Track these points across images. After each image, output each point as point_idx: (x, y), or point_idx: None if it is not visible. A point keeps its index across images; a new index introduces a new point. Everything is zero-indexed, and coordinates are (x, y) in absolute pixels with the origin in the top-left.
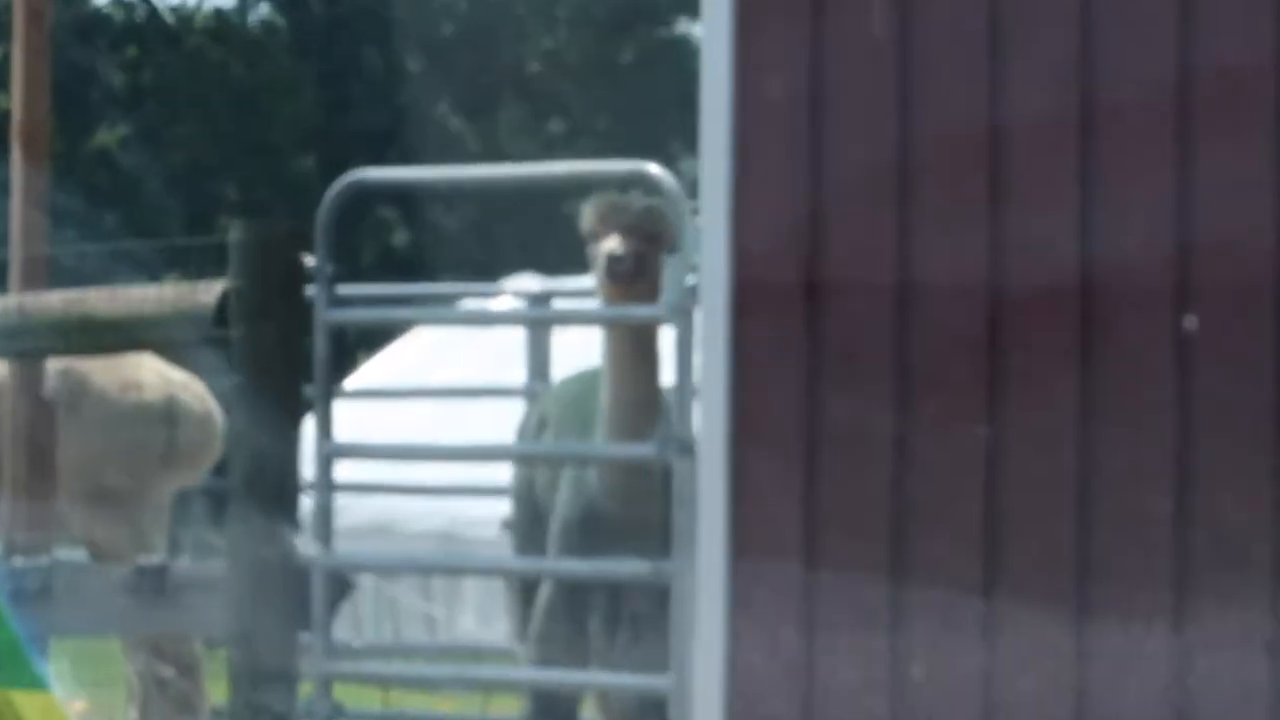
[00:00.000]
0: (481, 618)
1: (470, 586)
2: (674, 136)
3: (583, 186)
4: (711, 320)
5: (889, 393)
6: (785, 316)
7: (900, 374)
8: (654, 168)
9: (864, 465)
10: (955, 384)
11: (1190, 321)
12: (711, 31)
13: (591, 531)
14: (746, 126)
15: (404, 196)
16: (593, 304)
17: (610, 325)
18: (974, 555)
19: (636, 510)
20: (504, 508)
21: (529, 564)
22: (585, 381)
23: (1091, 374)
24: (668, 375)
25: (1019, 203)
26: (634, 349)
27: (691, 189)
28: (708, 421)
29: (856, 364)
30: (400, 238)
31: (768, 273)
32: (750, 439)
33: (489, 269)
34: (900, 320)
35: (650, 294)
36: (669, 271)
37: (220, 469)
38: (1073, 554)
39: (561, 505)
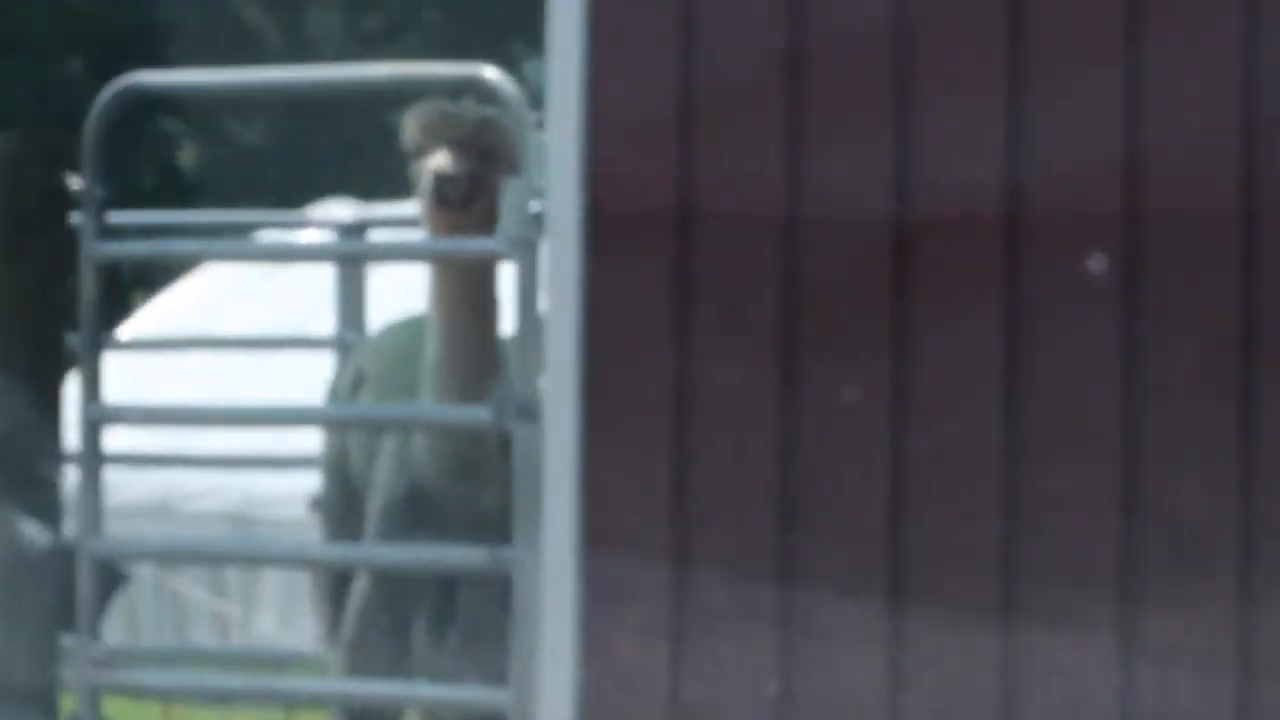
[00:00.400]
0: (283, 617)
1: (269, 579)
2: (516, 34)
3: (406, 93)
4: (560, 256)
5: (773, 345)
6: (649, 253)
7: (787, 322)
8: (491, 71)
9: (742, 434)
10: (851, 335)
11: (1098, 261)
12: None
13: (417, 512)
14: (602, 18)
15: (191, 105)
16: (417, 236)
17: (438, 261)
18: (874, 546)
19: (471, 487)
20: (311, 483)
21: (341, 552)
22: (410, 331)
23: (1014, 321)
24: (507, 323)
25: (931, 110)
26: (467, 290)
27: (536, 98)
28: (555, 379)
29: (734, 311)
30: (187, 156)
31: (628, 199)
32: (606, 401)
33: (293, 194)
34: (787, 256)
35: (486, 224)
36: (508, 196)
37: None
38: (994, 544)
39: (381, 481)
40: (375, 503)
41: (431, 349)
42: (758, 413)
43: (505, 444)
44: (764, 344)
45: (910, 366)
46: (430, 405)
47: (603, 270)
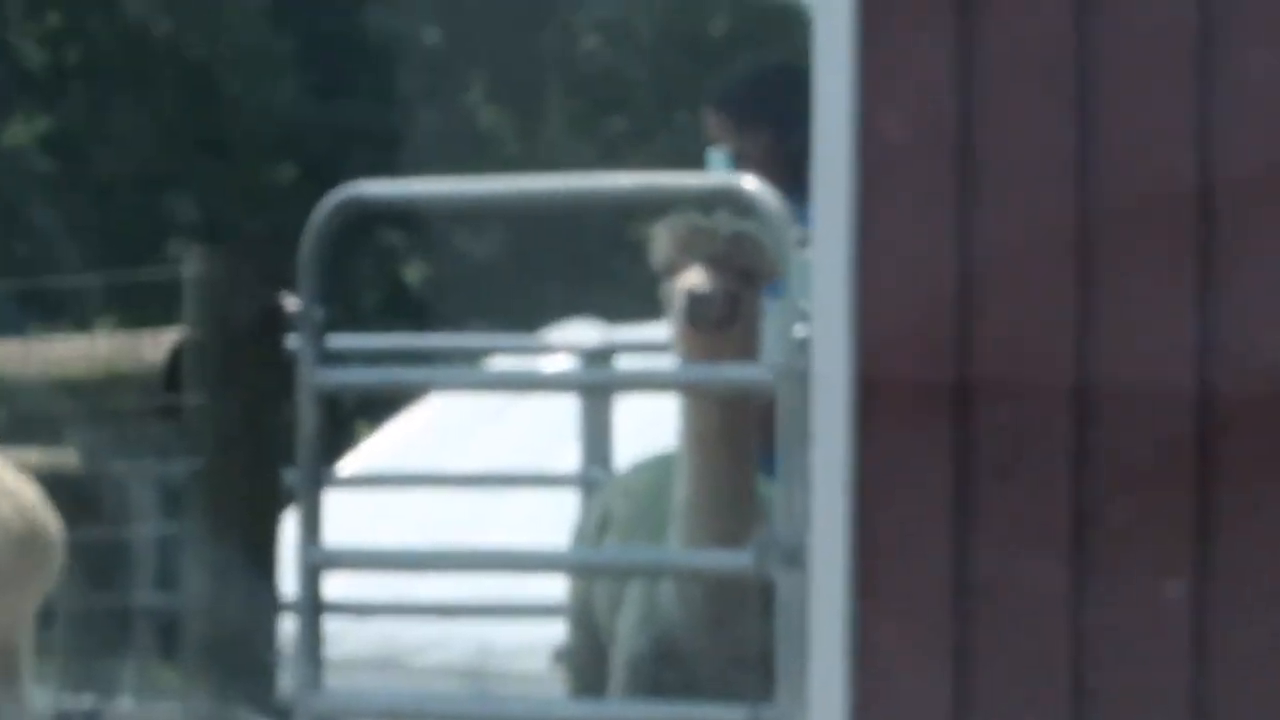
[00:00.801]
0: None
1: None
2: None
3: (656, 206)
4: (829, 391)
5: (1063, 528)
6: (925, 402)
7: (1077, 506)
8: (750, 182)
9: (1026, 623)
10: (1149, 524)
11: None
12: (828, 36)
13: (664, 665)
14: (870, 167)
15: (417, 217)
16: (667, 362)
17: (692, 391)
18: None
19: (723, 639)
20: (553, 633)
21: (590, 711)
22: (660, 469)
23: None
24: (768, 459)
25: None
26: (724, 423)
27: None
28: (823, 522)
29: (1018, 483)
30: (413, 272)
31: (898, 358)
32: (878, 557)
33: (531, 315)
34: (1078, 431)
35: (745, 349)
36: (771, 319)
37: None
38: None
39: (627, 632)
40: (620, 655)
41: (682, 489)
42: (1040, 602)
43: (760, 593)
44: (1052, 523)
45: (1218, 555)
46: (681, 550)
47: (877, 409)
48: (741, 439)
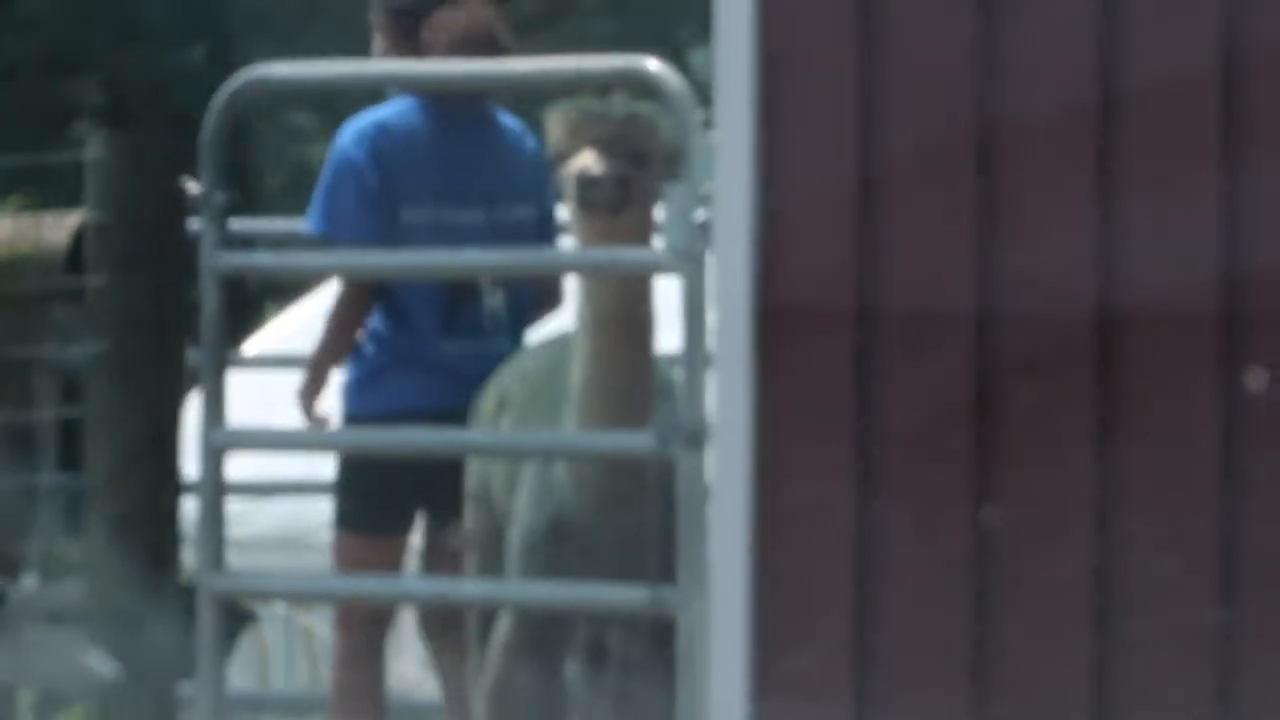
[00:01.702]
0: (426, 661)
1: (411, 619)
2: (682, 18)
3: (557, 89)
4: (730, 270)
5: (965, 403)
6: (831, 253)
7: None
8: (651, 63)
9: (925, 505)
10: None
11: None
12: None
13: (559, 546)
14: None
15: (325, 99)
16: (567, 245)
17: (588, 273)
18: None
19: (625, 518)
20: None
21: (489, 589)
22: (556, 350)
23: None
24: (664, 339)
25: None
26: (620, 306)
27: (704, 91)
28: (726, 402)
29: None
30: (320, 154)
31: (806, 235)
32: (784, 424)
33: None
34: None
35: (639, 231)
36: (671, 202)
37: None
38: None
39: (523, 512)
40: (515, 535)
41: (579, 370)
42: (945, 461)
43: (664, 473)
44: (955, 401)
45: (1116, 474)
46: (581, 432)
47: (777, 282)
48: (638, 321)
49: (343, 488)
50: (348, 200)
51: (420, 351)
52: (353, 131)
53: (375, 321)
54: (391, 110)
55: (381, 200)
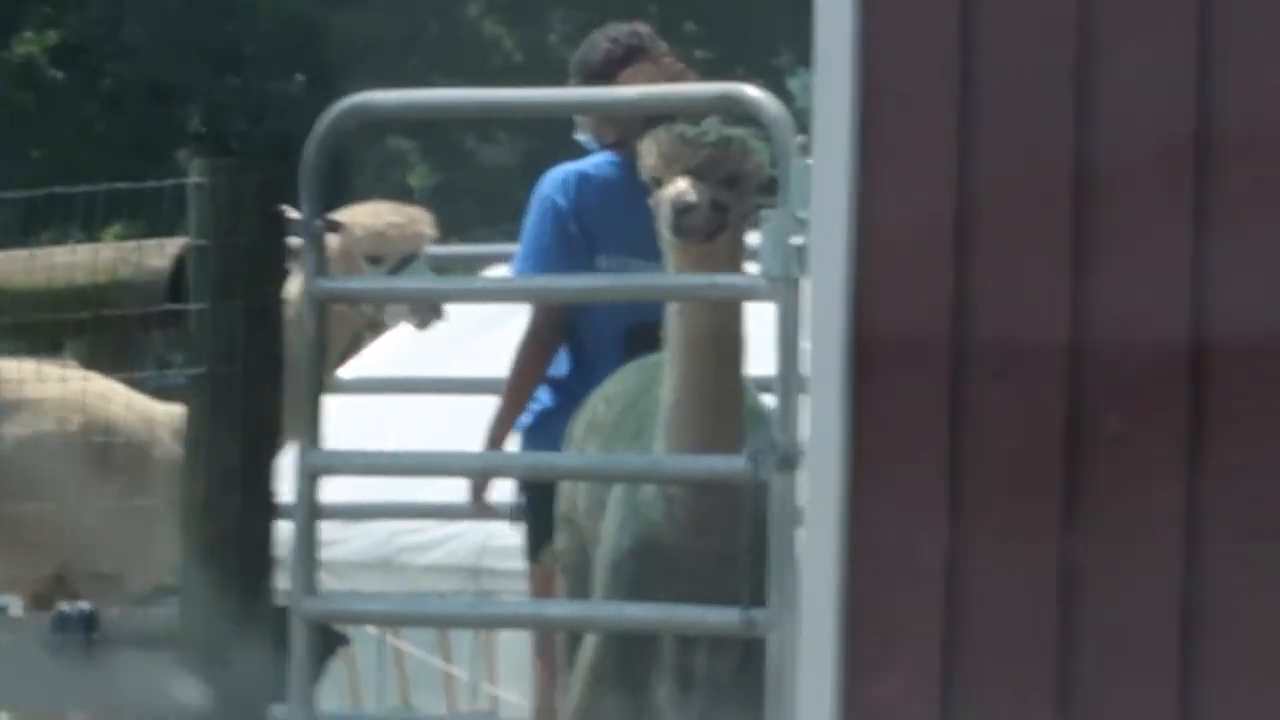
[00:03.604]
0: (518, 679)
1: (503, 640)
2: (781, 43)
3: (657, 114)
4: (825, 297)
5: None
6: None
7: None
8: (750, 89)
9: (1015, 533)
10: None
11: None
12: None
13: (649, 566)
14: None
15: (424, 126)
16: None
17: (683, 299)
18: None
19: (713, 541)
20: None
21: (581, 611)
22: (645, 374)
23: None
24: (757, 364)
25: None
26: (713, 328)
27: (802, 118)
28: (818, 427)
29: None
30: (420, 180)
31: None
32: (876, 450)
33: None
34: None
35: (732, 257)
36: (767, 228)
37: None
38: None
39: (609, 533)
40: (602, 557)
41: (669, 393)
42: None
43: (756, 496)
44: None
45: (1204, 505)
46: (674, 455)
47: (873, 315)
48: (729, 344)
49: (528, 520)
50: (551, 244)
51: None
52: (556, 179)
53: (556, 365)
54: (590, 162)
55: (581, 246)
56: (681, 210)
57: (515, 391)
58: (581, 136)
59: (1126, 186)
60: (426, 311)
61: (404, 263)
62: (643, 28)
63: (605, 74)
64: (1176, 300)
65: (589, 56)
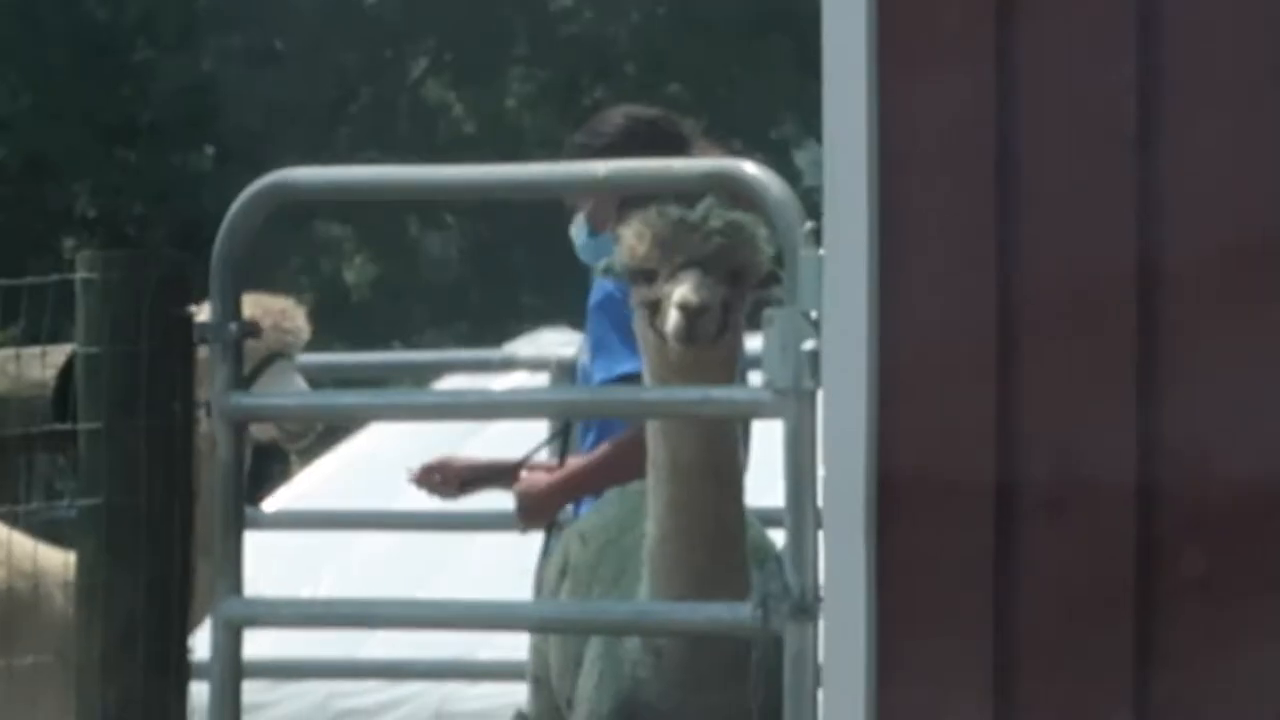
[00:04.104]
0: None
1: None
2: (788, 111)
3: (639, 195)
4: (842, 415)
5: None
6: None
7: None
8: (748, 166)
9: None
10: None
11: None
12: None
13: None
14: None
15: (359, 209)
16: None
17: (678, 414)
18: None
19: (713, 701)
20: (519, 696)
21: None
22: (627, 504)
23: None
24: (759, 493)
25: None
26: (706, 450)
27: (810, 200)
28: (839, 570)
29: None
30: (358, 274)
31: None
32: (911, 600)
33: (496, 324)
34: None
35: (727, 364)
36: (773, 331)
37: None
38: None
39: (587, 696)
40: None
41: (654, 526)
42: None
43: (768, 651)
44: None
45: None
46: (664, 602)
47: (897, 433)
48: (726, 469)
49: None
50: (629, 337)
51: None
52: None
53: None
54: None
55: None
56: (694, 314)
57: (589, 476)
58: (576, 231)
59: (1195, 300)
60: (297, 427)
61: (264, 364)
62: (683, 121)
63: (612, 152)
64: (1248, 425)
65: (597, 128)
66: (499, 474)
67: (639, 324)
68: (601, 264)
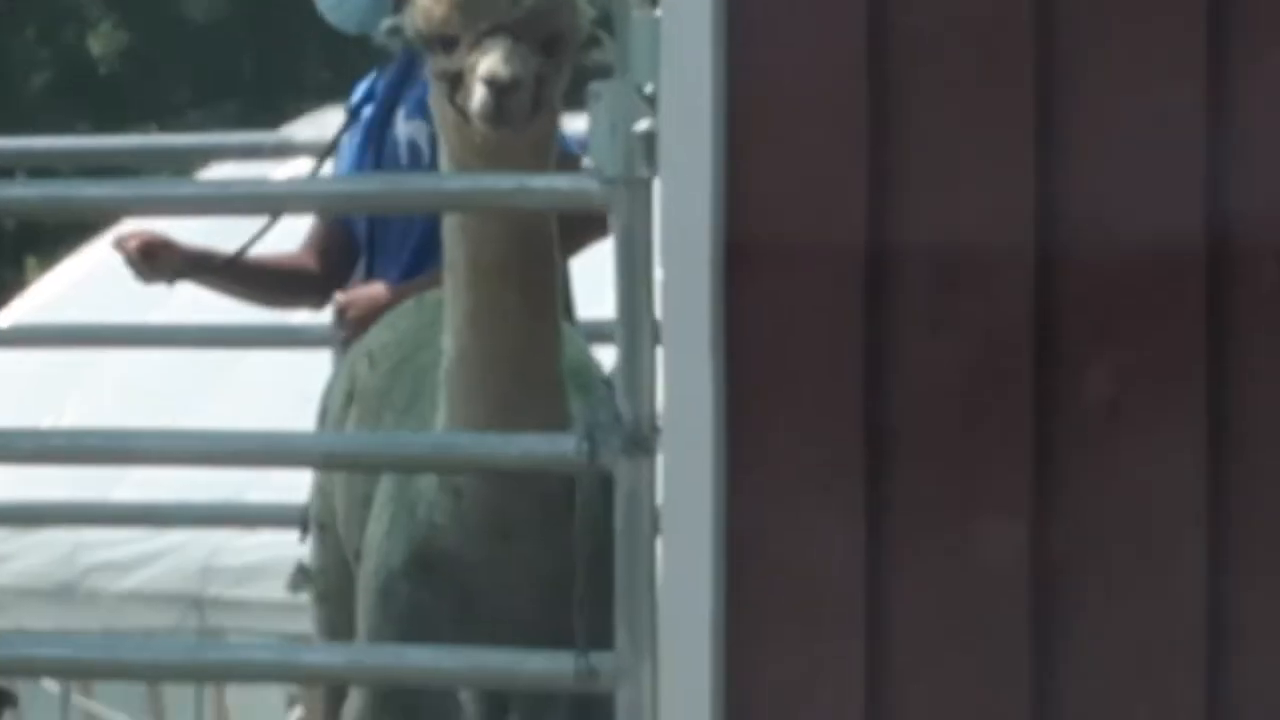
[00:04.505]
0: None
1: (239, 696)
2: None
3: None
4: (683, 202)
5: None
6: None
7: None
8: None
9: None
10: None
11: None
12: None
13: (436, 590)
14: None
15: None
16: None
17: (476, 205)
18: None
19: (527, 551)
20: (297, 549)
21: (339, 656)
22: (424, 316)
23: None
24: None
25: None
26: (510, 248)
27: None
28: (681, 392)
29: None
30: (104, 43)
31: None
32: (765, 421)
33: (269, 101)
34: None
35: (540, 148)
36: (599, 108)
37: None
38: None
39: (377, 546)
40: (367, 577)
41: (452, 342)
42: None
43: (597, 489)
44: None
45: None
46: (466, 432)
47: (747, 212)
48: (538, 273)
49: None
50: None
51: None
52: None
53: None
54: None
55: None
56: (503, 89)
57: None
58: None
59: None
60: None
61: None
62: None
63: None
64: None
65: None
66: (212, 264)
67: (436, 100)
68: (386, 24)
